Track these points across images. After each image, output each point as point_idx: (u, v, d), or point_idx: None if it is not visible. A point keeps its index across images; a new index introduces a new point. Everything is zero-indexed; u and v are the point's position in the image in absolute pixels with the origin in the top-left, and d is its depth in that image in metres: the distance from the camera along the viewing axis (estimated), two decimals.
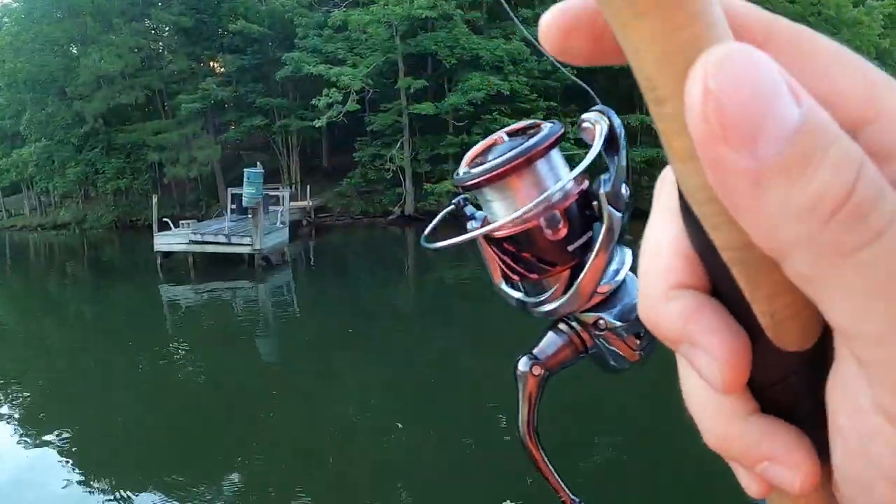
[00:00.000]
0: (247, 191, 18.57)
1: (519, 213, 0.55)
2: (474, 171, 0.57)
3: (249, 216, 18.54)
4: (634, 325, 0.58)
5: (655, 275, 0.25)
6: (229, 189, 22.16)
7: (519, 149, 0.55)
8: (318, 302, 16.05)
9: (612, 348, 0.60)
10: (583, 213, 0.57)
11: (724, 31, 0.20)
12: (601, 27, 0.23)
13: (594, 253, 0.56)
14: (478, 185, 0.57)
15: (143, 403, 9.32)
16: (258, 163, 20.68)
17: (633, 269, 0.59)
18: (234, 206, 20.47)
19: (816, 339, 0.22)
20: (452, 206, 0.67)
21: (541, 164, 0.56)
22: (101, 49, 31.47)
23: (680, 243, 0.25)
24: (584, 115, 0.56)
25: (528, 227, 0.56)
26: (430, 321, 15.28)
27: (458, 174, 0.60)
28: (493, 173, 0.55)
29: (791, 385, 0.23)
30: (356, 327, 13.56)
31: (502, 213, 0.57)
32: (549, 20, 0.24)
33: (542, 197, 0.55)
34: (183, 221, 20.94)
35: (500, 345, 13.08)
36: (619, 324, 0.59)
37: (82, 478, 7.17)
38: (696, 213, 0.22)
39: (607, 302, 0.59)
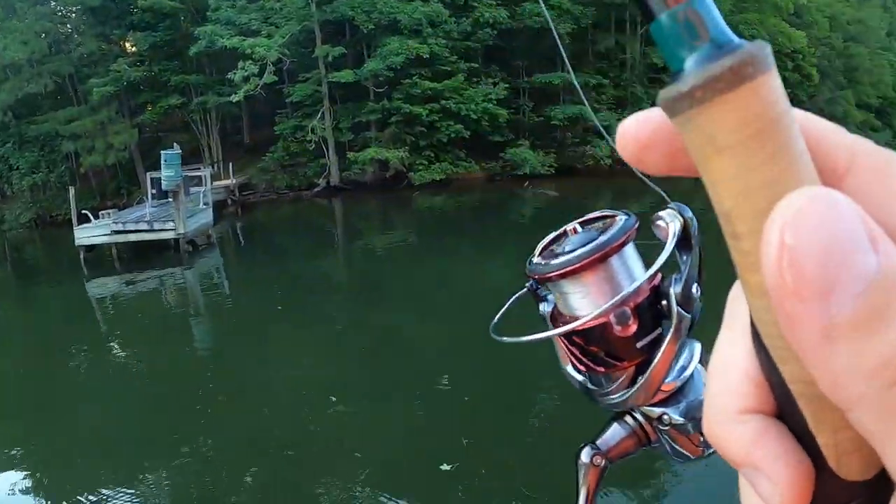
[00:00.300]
0: (165, 174, 17.95)
1: (594, 314, 0.55)
2: (553, 262, 0.58)
3: (171, 200, 17.99)
4: (699, 423, 0.56)
5: (723, 396, 0.25)
6: (148, 173, 21.37)
7: (595, 244, 0.57)
8: (249, 281, 15.87)
9: (676, 444, 0.60)
10: (653, 309, 0.58)
11: (806, 171, 0.20)
12: (679, 145, 0.23)
13: (662, 351, 0.56)
14: (552, 279, 0.58)
15: (80, 403, 9.14)
16: (175, 144, 19.94)
17: (703, 361, 0.60)
18: (154, 191, 19.76)
19: (879, 469, 0.22)
20: (525, 291, 0.68)
21: (615, 260, 0.57)
22: (4, 36, 29.47)
23: (748, 366, 0.24)
24: (659, 213, 0.56)
25: (598, 322, 0.57)
26: (363, 290, 15.36)
27: (531, 263, 0.61)
28: (569, 269, 0.56)
29: None
30: (290, 303, 13.53)
31: (575, 304, 0.58)
32: (628, 131, 0.24)
33: (617, 298, 0.55)
34: (104, 212, 19.88)
35: (435, 308, 13.34)
36: (683, 420, 0.59)
37: (26, 481, 7.05)
38: (766, 344, 0.22)
39: (673, 398, 0.59)
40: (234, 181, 25.72)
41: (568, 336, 0.60)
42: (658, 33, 0.22)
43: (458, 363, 10.21)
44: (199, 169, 22.42)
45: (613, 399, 0.59)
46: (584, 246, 0.57)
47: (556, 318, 0.62)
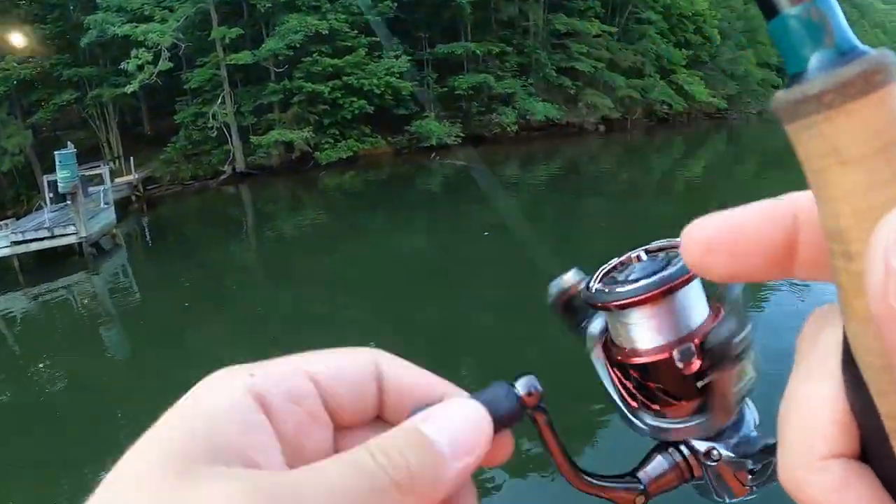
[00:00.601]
0: (60, 175, 17.40)
1: (657, 344, 0.54)
2: (617, 290, 0.56)
3: (70, 203, 17.61)
4: (748, 460, 0.57)
5: (804, 440, 0.24)
6: (45, 176, 20.69)
7: (663, 276, 0.54)
8: (160, 280, 15.81)
9: (721, 481, 0.59)
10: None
11: None
12: (742, 248, 0.23)
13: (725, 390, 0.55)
14: (612, 309, 0.57)
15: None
16: (69, 143, 19.44)
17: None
18: (52, 195, 19.09)
19: None
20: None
21: (681, 294, 0.56)
22: None
23: (834, 408, 0.23)
24: None
25: (659, 358, 0.54)
26: (276, 276, 15.57)
27: (590, 289, 0.56)
28: (635, 299, 0.55)
29: None
30: (204, 296, 13.64)
31: (635, 336, 0.56)
32: (692, 234, 0.25)
33: (687, 333, 0.53)
34: (3, 222, 19.02)
35: (346, 286, 13.74)
36: (733, 456, 0.57)
37: None
38: (864, 375, 0.21)
39: (723, 433, 0.57)
40: (136, 176, 24.83)
41: (623, 369, 0.58)
42: (778, 31, 0.22)
43: (375, 339, 10.69)
44: (99, 166, 21.68)
45: (667, 427, 0.57)
46: (650, 276, 0.55)
47: (610, 347, 0.60)
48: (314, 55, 28.99)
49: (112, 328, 12.75)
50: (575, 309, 0.60)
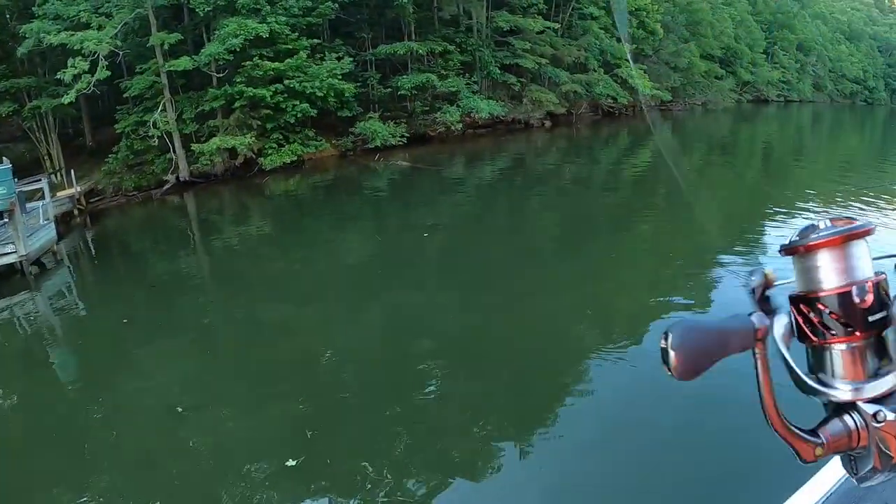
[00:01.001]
0: None
1: (841, 283, 0.69)
2: (813, 235, 0.72)
3: (7, 220, 17.32)
4: None
5: None
6: None
7: (848, 226, 0.71)
8: (106, 296, 15.63)
9: (884, 445, 0.68)
10: (886, 293, 0.72)
11: None
12: None
13: (893, 326, 0.69)
14: (813, 248, 0.72)
15: None
16: (4, 158, 19.01)
17: None
18: None
19: None
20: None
21: (856, 244, 0.72)
22: None
23: None
24: None
25: (843, 290, 0.69)
26: (225, 285, 15.56)
27: (790, 240, 0.74)
28: (830, 238, 0.70)
29: None
30: (152, 310, 13.56)
31: (822, 277, 0.71)
32: None
33: (862, 277, 0.69)
34: None
35: (295, 292, 13.90)
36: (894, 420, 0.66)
37: None
38: None
39: (889, 398, 0.68)
40: (78, 189, 24.23)
41: (811, 304, 0.73)
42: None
43: (326, 344, 10.89)
44: (39, 180, 21.28)
45: (837, 387, 0.70)
46: (837, 229, 0.71)
47: (798, 301, 0.75)
48: (255, 59, 28.77)
49: (58, 348, 12.50)
50: (768, 298, 0.78)
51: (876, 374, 0.72)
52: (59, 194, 23.04)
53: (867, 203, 19.09)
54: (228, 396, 9.30)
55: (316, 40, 32.53)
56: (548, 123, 45.29)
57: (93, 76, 24.67)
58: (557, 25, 45.77)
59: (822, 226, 0.75)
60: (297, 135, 30.88)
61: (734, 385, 8.02)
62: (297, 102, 29.60)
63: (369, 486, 7.04)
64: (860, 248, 0.73)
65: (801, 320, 0.75)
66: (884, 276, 0.74)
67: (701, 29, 66.85)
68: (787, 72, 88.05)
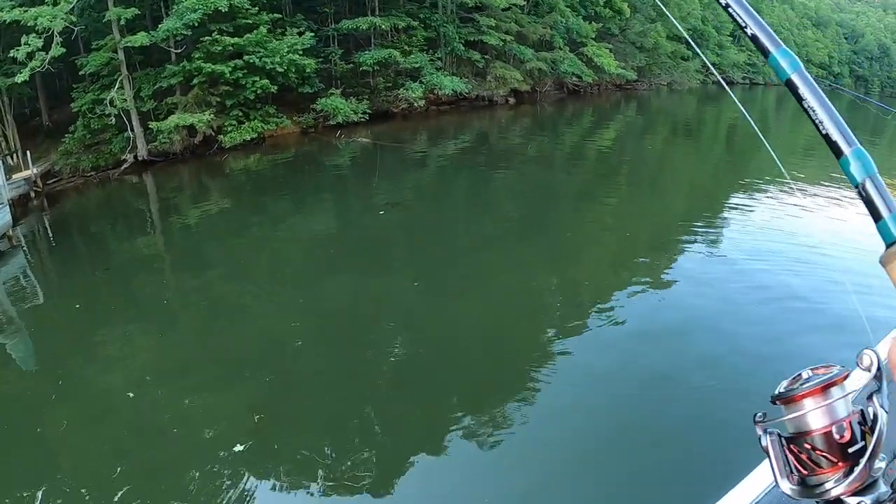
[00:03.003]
0: None
1: (833, 418, 0.80)
2: (802, 386, 0.84)
3: None
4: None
5: None
6: None
7: (827, 376, 0.83)
8: (64, 280, 15.53)
9: None
10: (860, 427, 0.82)
11: None
12: None
13: (869, 451, 0.79)
14: (800, 398, 0.83)
15: None
16: None
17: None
18: None
19: None
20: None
21: (836, 390, 0.83)
22: None
23: None
24: (865, 351, 0.79)
25: (824, 430, 0.80)
26: (186, 266, 15.57)
27: (779, 391, 0.87)
28: (814, 388, 0.82)
29: None
30: (112, 293, 13.48)
31: (809, 420, 0.83)
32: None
33: (841, 416, 0.79)
34: None
35: (256, 271, 13.91)
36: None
37: None
38: None
39: (868, 488, 0.79)
40: (35, 171, 23.64)
41: (799, 444, 0.85)
42: (883, 228, 0.48)
43: (288, 322, 10.98)
44: None
45: (832, 489, 0.79)
46: (818, 379, 0.83)
47: (789, 441, 0.87)
48: (214, 34, 28.25)
49: (16, 336, 12.18)
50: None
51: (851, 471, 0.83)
52: (14, 177, 22.53)
53: (827, 186, 19.51)
54: (183, 379, 9.42)
55: (277, 15, 32.06)
56: (512, 101, 45.32)
57: (47, 53, 23.99)
58: (523, 2, 45.57)
59: (805, 376, 0.88)
60: (257, 112, 30.54)
61: (691, 375, 8.20)
62: (257, 78, 29.21)
63: (319, 468, 7.18)
64: (838, 392, 0.85)
65: (792, 459, 0.87)
66: (859, 411, 0.85)
67: (668, 9, 67.04)
68: (753, 55, 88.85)
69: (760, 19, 0.68)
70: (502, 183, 22.65)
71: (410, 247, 15.39)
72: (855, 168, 0.58)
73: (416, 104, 37.06)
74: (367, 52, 35.86)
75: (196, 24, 27.40)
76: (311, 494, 6.84)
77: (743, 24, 0.71)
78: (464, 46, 41.25)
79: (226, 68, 28.02)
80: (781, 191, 19.65)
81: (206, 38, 28.07)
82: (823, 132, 0.61)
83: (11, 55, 24.13)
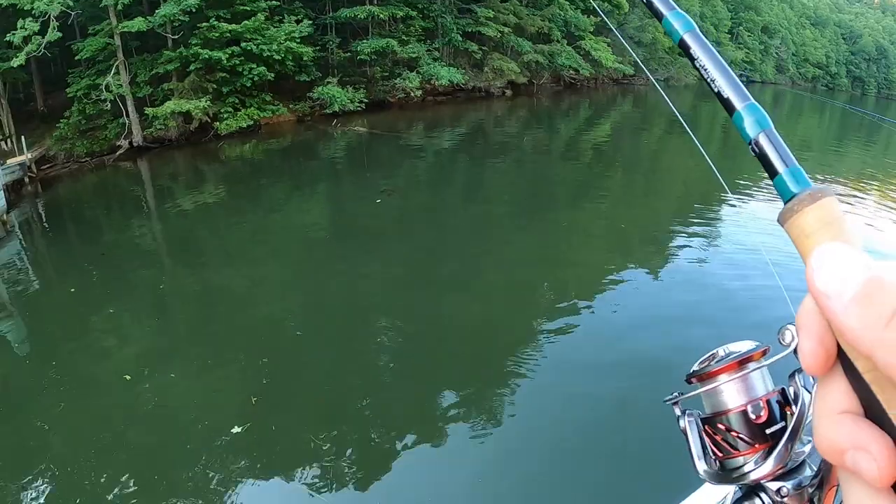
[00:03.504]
0: None
1: (750, 398, 0.77)
2: (714, 363, 0.82)
3: None
4: (807, 493, 0.76)
5: (831, 408, 0.37)
6: None
7: (742, 352, 0.81)
8: (59, 266, 15.46)
9: None
10: (780, 406, 0.80)
11: (854, 239, 0.39)
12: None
13: (788, 432, 0.77)
14: (714, 374, 0.81)
15: None
16: None
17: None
18: None
19: None
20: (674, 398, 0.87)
21: (753, 364, 0.81)
22: None
23: (841, 386, 0.37)
24: (788, 326, 0.72)
25: (739, 409, 0.78)
26: (181, 253, 15.52)
27: (695, 370, 0.84)
28: (728, 365, 0.79)
29: None
30: (107, 280, 13.39)
31: (724, 398, 0.81)
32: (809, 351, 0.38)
33: (759, 395, 0.77)
34: None
35: (250, 259, 13.93)
36: (797, 492, 0.75)
37: None
38: (848, 356, 0.36)
39: (789, 474, 0.77)
40: (29, 156, 23.39)
41: (714, 426, 0.82)
42: (779, 184, 0.47)
43: (283, 308, 10.99)
44: None
45: (751, 473, 0.77)
46: (733, 354, 0.80)
47: (704, 422, 0.85)
48: (211, 20, 28.14)
49: (11, 321, 12.11)
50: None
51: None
52: (9, 162, 22.38)
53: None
54: (179, 363, 9.46)
55: (275, 2, 31.85)
56: (509, 93, 45.33)
57: (43, 38, 23.81)
58: None
59: (721, 353, 0.86)
60: (253, 99, 30.43)
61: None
62: (254, 66, 29.12)
63: (314, 451, 7.24)
64: (754, 367, 0.82)
65: (709, 441, 0.85)
66: (780, 390, 0.82)
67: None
68: (750, 53, 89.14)
69: None
70: (497, 174, 22.70)
71: (404, 235, 15.42)
72: (748, 123, 0.55)
73: (412, 94, 37.05)
74: (364, 41, 35.79)
75: (193, 10, 27.25)
76: (305, 476, 6.91)
77: None
78: (461, 37, 41.22)
79: (223, 55, 27.91)
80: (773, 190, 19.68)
81: (204, 24, 27.96)
82: (716, 90, 0.59)
83: (7, 39, 23.87)
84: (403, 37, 37.76)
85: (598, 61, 51.51)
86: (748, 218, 16.42)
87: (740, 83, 0.59)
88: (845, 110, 66.29)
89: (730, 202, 18.08)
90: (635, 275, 12.37)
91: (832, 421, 0.38)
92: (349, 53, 35.73)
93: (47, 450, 7.60)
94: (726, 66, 0.60)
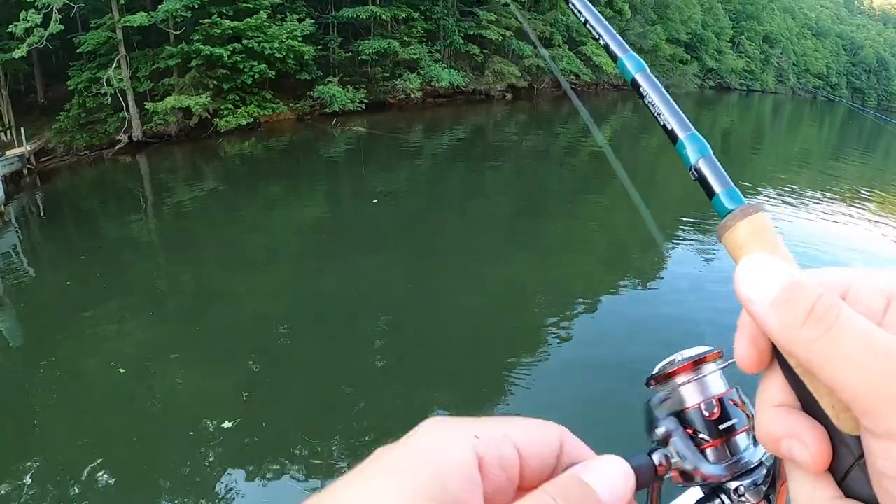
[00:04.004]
0: None
1: (708, 395, 0.82)
2: (675, 361, 0.86)
3: None
4: (762, 487, 0.81)
5: (769, 402, 0.41)
6: None
7: (699, 352, 0.85)
8: (55, 258, 15.49)
9: None
10: (735, 405, 0.84)
11: (781, 251, 0.43)
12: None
13: (738, 427, 0.82)
14: (672, 374, 0.85)
15: None
16: None
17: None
18: None
19: None
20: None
21: (709, 366, 0.85)
22: None
23: (778, 383, 0.41)
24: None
25: (695, 406, 0.82)
26: (178, 249, 15.57)
27: (655, 372, 0.87)
28: (687, 364, 0.84)
29: (861, 468, 0.37)
30: (103, 273, 13.42)
31: (685, 397, 0.85)
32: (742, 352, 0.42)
33: (711, 394, 0.83)
34: None
35: (247, 256, 13.98)
36: (751, 490, 0.81)
37: None
38: (784, 355, 0.39)
39: (744, 475, 0.81)
40: (28, 148, 23.31)
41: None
42: (717, 203, 0.50)
43: (272, 311, 11.14)
44: None
45: (705, 472, 0.81)
46: (687, 356, 0.86)
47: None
48: (214, 17, 28.17)
49: (5, 312, 12.14)
50: (654, 418, 0.89)
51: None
52: (8, 153, 22.36)
53: (816, 198, 19.76)
54: (172, 357, 9.51)
55: (277, 0, 31.95)
56: (509, 96, 45.45)
57: (46, 30, 23.79)
58: None
59: (678, 358, 0.89)
60: (254, 96, 30.48)
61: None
62: (255, 63, 29.17)
63: (303, 451, 7.31)
64: (709, 367, 0.87)
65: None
66: (734, 388, 0.87)
67: (669, 12, 67.52)
68: (751, 62, 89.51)
69: (612, 30, 0.77)
70: (495, 177, 22.81)
71: (401, 236, 15.48)
72: (690, 150, 0.63)
73: (413, 95, 37.12)
74: (366, 41, 35.85)
75: (196, 6, 27.28)
76: (295, 473, 6.97)
77: (597, 36, 0.79)
78: (463, 40, 41.30)
79: (224, 52, 27.93)
80: (771, 197, 19.97)
81: (206, 20, 27.97)
82: (662, 122, 0.67)
83: (9, 30, 23.85)
84: (405, 38, 37.84)
85: (599, 67, 51.71)
86: None
87: (683, 116, 0.67)
88: (844, 119, 66.75)
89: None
90: (630, 282, 12.47)
91: (769, 413, 0.41)
92: (350, 53, 35.79)
93: (39, 441, 7.66)
94: (672, 102, 0.68)
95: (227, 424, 7.62)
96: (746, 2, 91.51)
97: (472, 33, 41.91)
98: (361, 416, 8.02)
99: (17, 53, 23.57)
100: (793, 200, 20.67)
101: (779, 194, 21.18)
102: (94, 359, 9.58)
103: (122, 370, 9.02)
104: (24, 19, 23.51)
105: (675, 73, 70.65)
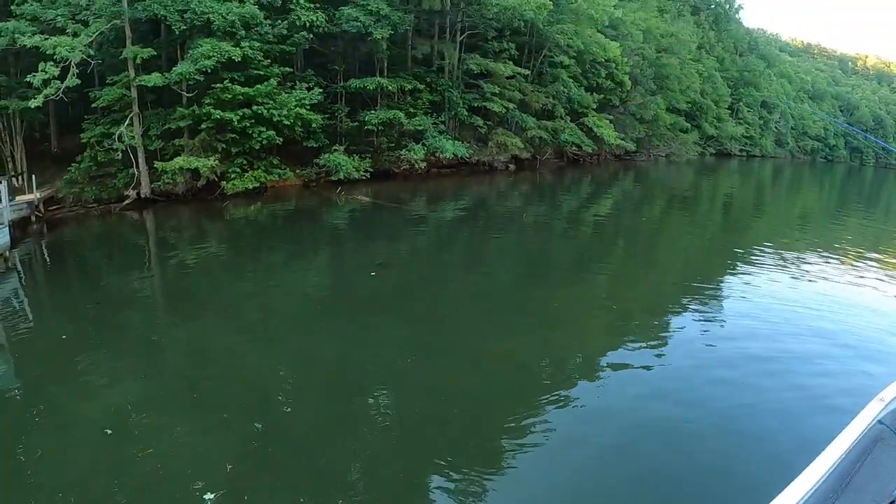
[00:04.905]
0: None
1: None
2: None
3: None
4: None
5: None
6: None
7: None
8: (56, 307, 15.59)
9: None
10: None
11: None
12: None
13: None
14: None
15: None
16: None
17: None
18: None
19: None
20: None
21: None
22: None
23: None
24: None
25: None
26: (178, 307, 15.65)
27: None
28: None
29: None
30: (102, 326, 13.49)
31: None
32: None
33: None
34: None
35: (246, 319, 14.06)
36: None
37: None
38: None
39: None
40: (38, 195, 23.75)
41: None
42: None
43: (272, 373, 11.15)
44: None
45: None
46: None
47: None
48: (225, 82, 28.99)
49: (2, 358, 12.12)
50: None
51: None
52: (17, 199, 22.80)
53: (820, 258, 20.02)
54: (162, 420, 9.47)
55: (288, 69, 32.94)
56: (512, 167, 46.26)
57: (63, 83, 24.49)
58: (528, 72, 46.91)
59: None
60: (261, 161, 31.18)
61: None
62: (264, 129, 29.93)
63: None
64: None
65: None
66: None
67: (668, 83, 69.19)
68: (750, 127, 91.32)
69: None
70: (497, 248, 23.05)
71: (402, 305, 15.59)
72: None
73: (417, 165, 37.79)
74: (372, 111, 36.76)
75: (209, 71, 28.09)
76: None
77: None
78: (467, 111, 42.28)
79: (234, 116, 28.69)
80: (775, 261, 20.46)
81: (218, 84, 28.83)
82: None
83: (28, 80, 24.50)
84: (411, 109, 38.78)
85: (600, 137, 52.77)
86: (751, 290, 17.23)
87: None
88: (844, 183, 67.48)
89: (731, 272, 18.67)
90: (635, 349, 12.57)
91: None
92: (357, 122, 36.65)
93: (20, 492, 7.67)
94: None
95: (208, 496, 7.56)
96: (744, 69, 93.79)
97: (476, 105, 42.92)
98: (354, 494, 7.92)
99: (33, 103, 24.16)
100: (793, 263, 21.10)
101: (780, 258, 21.55)
102: (82, 415, 9.53)
103: (108, 431, 9.03)
104: (42, 71, 24.15)
105: (676, 141, 71.92)
